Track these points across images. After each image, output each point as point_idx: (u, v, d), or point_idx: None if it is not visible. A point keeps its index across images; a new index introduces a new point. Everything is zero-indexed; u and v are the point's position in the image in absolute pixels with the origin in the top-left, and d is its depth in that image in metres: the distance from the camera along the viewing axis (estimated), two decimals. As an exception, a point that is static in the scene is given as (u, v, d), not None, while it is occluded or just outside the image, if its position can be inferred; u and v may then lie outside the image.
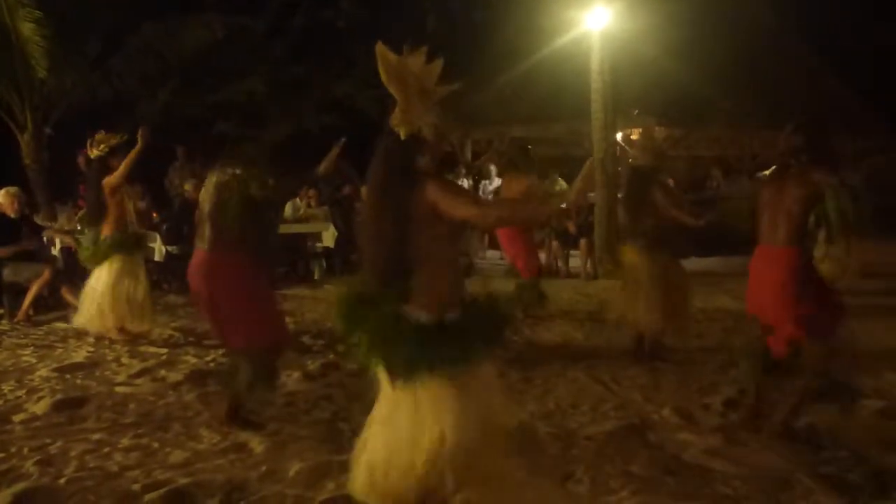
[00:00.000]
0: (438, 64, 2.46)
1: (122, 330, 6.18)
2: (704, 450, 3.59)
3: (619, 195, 10.15)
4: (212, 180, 3.96)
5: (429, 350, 2.38)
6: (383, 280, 2.48)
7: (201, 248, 3.95)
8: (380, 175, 2.53)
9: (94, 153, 6.18)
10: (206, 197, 3.97)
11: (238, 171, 3.87)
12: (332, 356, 5.52)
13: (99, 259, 6.18)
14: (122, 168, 6.00)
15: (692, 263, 7.20)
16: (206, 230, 3.93)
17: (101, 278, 6.11)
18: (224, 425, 4.00)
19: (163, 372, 5.23)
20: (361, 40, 14.61)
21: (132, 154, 5.99)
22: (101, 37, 11.64)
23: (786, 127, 3.80)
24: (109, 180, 6.07)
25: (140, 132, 5.97)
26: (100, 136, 6.18)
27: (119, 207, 6.22)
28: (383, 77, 2.43)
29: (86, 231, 6.52)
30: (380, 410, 2.59)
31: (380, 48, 2.40)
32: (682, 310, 5.33)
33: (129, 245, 6.23)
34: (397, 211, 2.43)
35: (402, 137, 2.45)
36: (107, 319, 6.09)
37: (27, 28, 10.42)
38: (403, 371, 2.43)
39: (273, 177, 3.89)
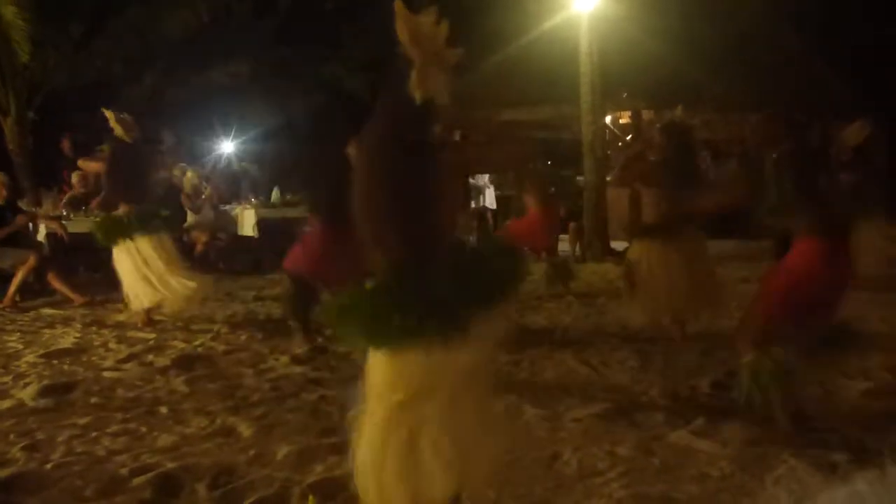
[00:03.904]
0: (445, 27, 2.33)
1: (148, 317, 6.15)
2: (691, 431, 3.61)
3: (608, 178, 10.19)
4: None
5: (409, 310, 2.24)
6: (403, 254, 2.33)
7: None
8: (390, 144, 2.35)
9: (129, 136, 6.04)
10: None
11: None
12: (320, 340, 5.51)
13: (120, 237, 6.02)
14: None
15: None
16: None
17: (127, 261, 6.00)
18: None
19: (150, 357, 5.22)
20: (349, 21, 14.50)
21: None
22: (85, 19, 11.49)
23: (760, 114, 3.81)
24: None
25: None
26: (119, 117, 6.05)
27: None
28: (401, 37, 2.29)
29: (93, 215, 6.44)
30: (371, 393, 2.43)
31: (398, 5, 2.28)
32: (711, 287, 5.29)
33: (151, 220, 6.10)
34: (416, 183, 2.31)
35: (418, 102, 2.28)
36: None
37: (9, 12, 10.29)
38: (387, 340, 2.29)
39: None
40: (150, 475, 3.17)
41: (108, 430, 3.75)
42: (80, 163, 6.54)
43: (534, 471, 3.19)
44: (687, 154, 5.24)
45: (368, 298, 2.35)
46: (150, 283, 5.94)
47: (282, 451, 3.41)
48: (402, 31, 2.28)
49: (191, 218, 9.93)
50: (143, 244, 5.99)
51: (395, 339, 2.29)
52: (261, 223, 10.28)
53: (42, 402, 4.21)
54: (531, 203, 7.40)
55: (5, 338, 5.85)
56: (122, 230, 6.00)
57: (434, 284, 2.28)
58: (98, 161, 6.32)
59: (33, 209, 8.69)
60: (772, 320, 3.58)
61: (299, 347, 5.24)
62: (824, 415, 3.76)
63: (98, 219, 6.41)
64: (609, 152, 11.01)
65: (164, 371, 4.84)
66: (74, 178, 9.02)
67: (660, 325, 5.44)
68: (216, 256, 9.70)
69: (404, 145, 2.33)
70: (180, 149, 10.73)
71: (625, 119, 13.97)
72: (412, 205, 2.32)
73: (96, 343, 5.66)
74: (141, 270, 5.93)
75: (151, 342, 5.65)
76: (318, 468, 3.22)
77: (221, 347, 5.49)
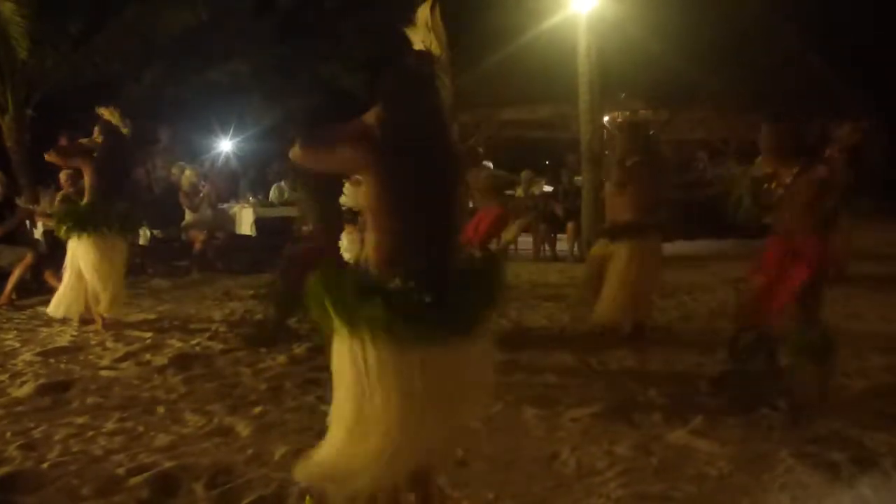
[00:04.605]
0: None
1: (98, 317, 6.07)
2: (689, 430, 3.61)
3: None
4: None
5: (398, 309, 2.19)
6: (432, 250, 2.28)
7: None
8: (429, 131, 2.29)
9: (126, 129, 6.05)
10: None
11: None
12: (318, 340, 5.49)
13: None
14: None
15: (678, 246, 7.22)
16: None
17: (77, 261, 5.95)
18: None
19: (147, 356, 5.20)
20: (348, 20, 14.48)
21: None
22: (83, 16, 11.46)
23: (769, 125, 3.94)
24: None
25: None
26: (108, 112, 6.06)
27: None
28: (435, 34, 2.30)
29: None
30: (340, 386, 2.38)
31: (429, 4, 2.30)
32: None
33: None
34: (452, 174, 2.32)
35: (443, 100, 2.28)
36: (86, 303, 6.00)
37: (8, 8, 10.25)
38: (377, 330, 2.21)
39: None
40: (147, 475, 3.16)
41: (105, 430, 3.73)
42: (48, 156, 6.28)
43: (532, 470, 3.18)
44: (656, 151, 5.33)
45: (349, 278, 2.30)
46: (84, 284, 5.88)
47: (279, 451, 3.40)
48: (436, 28, 2.28)
49: (189, 216, 9.92)
50: (99, 241, 5.89)
51: (360, 324, 2.23)
52: (259, 222, 10.28)
53: (39, 401, 4.20)
54: (483, 203, 7.36)
55: (2, 336, 5.83)
56: (85, 223, 5.90)
57: (420, 285, 2.22)
58: (71, 155, 6.21)
59: (31, 207, 8.67)
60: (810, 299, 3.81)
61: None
62: (823, 413, 3.76)
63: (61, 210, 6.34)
64: (606, 152, 11.01)
65: (161, 370, 4.83)
66: (63, 176, 8.98)
67: (617, 322, 5.46)
68: (214, 255, 9.69)
69: (424, 143, 2.28)
70: (176, 147, 10.69)
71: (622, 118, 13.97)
72: (422, 203, 2.27)
73: (93, 342, 5.64)
74: (88, 269, 5.85)
75: (148, 341, 5.63)
76: (316, 468, 3.21)
77: (219, 346, 5.48)
